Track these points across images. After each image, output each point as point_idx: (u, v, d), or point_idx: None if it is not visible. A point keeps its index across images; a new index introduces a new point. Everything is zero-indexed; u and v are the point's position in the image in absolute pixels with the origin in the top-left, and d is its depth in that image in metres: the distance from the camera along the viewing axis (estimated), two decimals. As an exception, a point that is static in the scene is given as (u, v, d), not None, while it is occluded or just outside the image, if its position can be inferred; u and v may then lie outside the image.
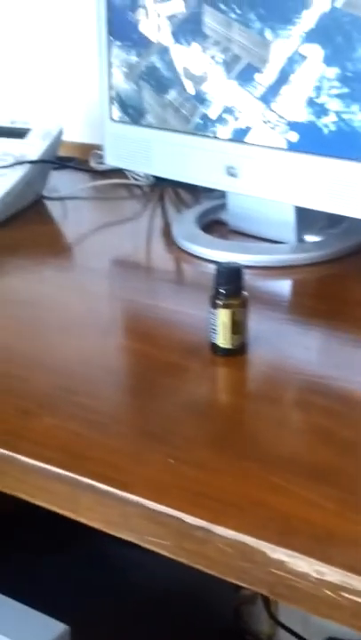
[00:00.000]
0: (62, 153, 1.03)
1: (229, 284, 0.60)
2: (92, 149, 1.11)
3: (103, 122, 0.88)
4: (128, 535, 0.47)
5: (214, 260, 0.78)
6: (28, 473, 0.51)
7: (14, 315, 0.71)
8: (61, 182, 1.04)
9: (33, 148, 0.92)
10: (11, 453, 0.51)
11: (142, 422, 0.54)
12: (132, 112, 0.85)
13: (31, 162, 0.91)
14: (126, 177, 1.04)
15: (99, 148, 1.11)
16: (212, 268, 0.77)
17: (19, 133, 0.94)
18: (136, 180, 1.04)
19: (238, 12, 0.74)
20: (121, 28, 0.83)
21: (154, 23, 0.80)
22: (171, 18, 0.79)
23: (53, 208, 0.99)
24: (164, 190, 1.02)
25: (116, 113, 0.87)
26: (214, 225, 0.88)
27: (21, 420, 0.54)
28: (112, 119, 0.87)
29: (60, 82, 1.18)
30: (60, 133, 0.96)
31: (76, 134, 1.11)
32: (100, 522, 0.49)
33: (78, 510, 0.49)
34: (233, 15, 0.74)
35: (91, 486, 0.48)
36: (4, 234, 0.88)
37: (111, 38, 0.84)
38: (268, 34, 0.73)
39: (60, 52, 1.17)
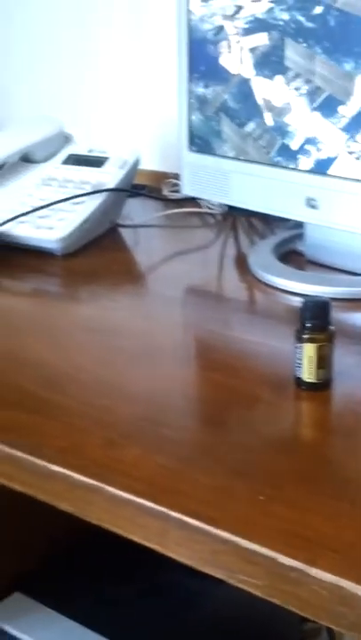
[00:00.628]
0: (135, 181, 1.05)
1: (316, 318, 0.59)
2: (164, 177, 1.12)
3: (181, 152, 0.89)
4: (218, 572, 0.47)
5: (293, 291, 0.77)
6: (116, 505, 0.51)
7: (93, 343, 0.71)
8: (134, 210, 1.05)
9: (110, 176, 0.94)
10: (98, 484, 0.51)
11: (229, 456, 0.53)
12: (210, 143, 0.86)
13: (108, 190, 0.92)
14: (199, 205, 1.05)
15: (171, 176, 1.12)
16: (290, 299, 0.77)
17: (96, 162, 0.96)
18: (209, 208, 1.04)
19: (321, 44, 0.74)
20: (201, 60, 0.84)
21: (236, 56, 0.81)
22: (253, 50, 0.79)
23: (127, 236, 0.99)
24: (236, 219, 1.02)
25: (194, 143, 0.88)
26: (291, 255, 0.88)
27: (107, 451, 0.54)
28: (190, 149, 0.88)
29: (134, 111, 1.19)
30: (137, 162, 0.97)
31: (148, 162, 1.12)
32: (189, 558, 0.48)
33: (167, 545, 0.49)
34: (315, 48, 0.74)
35: (180, 521, 0.48)
36: (80, 261, 0.89)
37: (191, 70, 0.85)
38: (351, 66, 0.72)
39: (135, 82, 1.18)
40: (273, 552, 0.44)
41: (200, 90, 0.85)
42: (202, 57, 0.84)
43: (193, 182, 0.89)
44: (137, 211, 1.06)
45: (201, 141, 0.87)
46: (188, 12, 0.83)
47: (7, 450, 0.55)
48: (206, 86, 0.84)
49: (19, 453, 0.55)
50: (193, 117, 0.86)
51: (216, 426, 0.58)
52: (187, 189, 0.91)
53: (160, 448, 0.54)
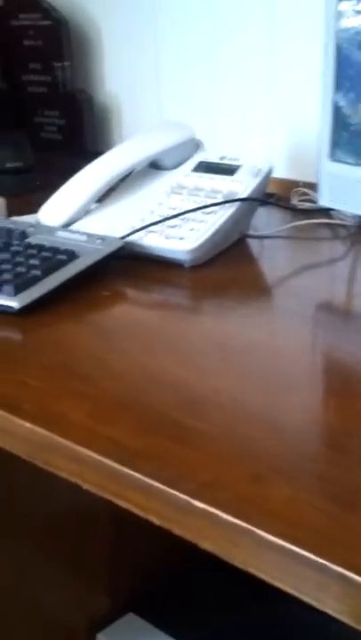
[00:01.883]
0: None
1: None
2: (293, 186, 1.08)
3: (320, 161, 0.84)
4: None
5: None
6: (265, 549, 0.47)
7: (228, 362, 0.67)
8: (261, 220, 1.01)
9: (242, 185, 0.90)
10: (245, 525, 0.47)
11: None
12: (354, 152, 0.81)
13: (241, 200, 0.88)
14: (330, 216, 1.00)
15: (300, 185, 1.08)
16: None
17: (228, 170, 0.92)
18: (341, 219, 0.99)
19: None
20: (346, 66, 0.79)
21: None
22: None
23: (254, 247, 0.95)
24: (371, 232, 0.96)
25: (336, 152, 0.83)
26: None
27: (254, 487, 0.50)
28: (331, 158, 0.83)
29: (264, 118, 1.15)
30: (270, 171, 0.93)
31: (276, 170, 1.08)
32: (348, 615, 0.44)
33: (323, 600, 0.44)
34: None
35: (340, 575, 0.43)
36: (208, 273, 0.86)
37: (336, 77, 0.80)
38: None
39: (266, 89, 1.14)
40: None
41: (345, 97, 0.80)
42: (348, 63, 0.79)
43: (332, 193, 0.85)
44: (264, 220, 1.02)
45: (344, 150, 0.82)
46: (337, 17, 0.78)
47: (147, 480, 0.52)
48: (352, 93, 0.79)
49: (158, 485, 0.51)
50: (336, 125, 0.81)
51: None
52: (324, 200, 0.87)
53: (314, 487, 0.50)
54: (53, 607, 0.87)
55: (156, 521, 0.52)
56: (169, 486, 0.51)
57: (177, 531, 0.51)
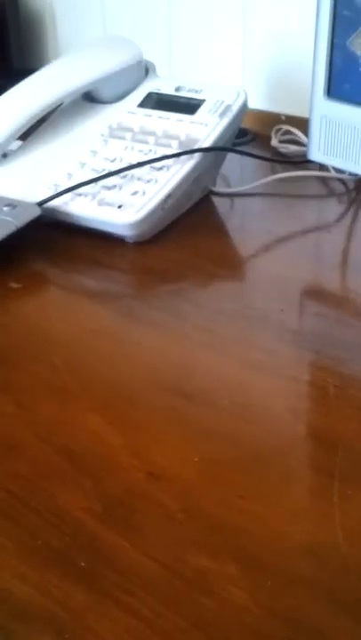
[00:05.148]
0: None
1: None
2: (273, 121, 0.84)
3: (312, 98, 0.61)
4: None
5: None
6: None
7: (179, 419, 0.45)
8: (232, 169, 0.78)
9: (206, 128, 0.66)
10: None
11: None
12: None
13: (203, 150, 0.65)
14: (325, 167, 0.76)
15: (282, 119, 0.84)
16: None
17: (187, 106, 0.68)
18: (339, 172, 0.76)
19: None
20: None
21: None
22: None
23: (222, 208, 0.72)
24: (377, 188, 0.74)
25: (334, 87, 0.59)
26: None
27: None
28: (327, 96, 0.59)
29: (233, 31, 0.90)
30: (244, 107, 0.69)
31: (251, 99, 0.84)
32: None
33: None
34: None
35: None
36: (158, 252, 0.63)
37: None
38: None
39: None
40: None
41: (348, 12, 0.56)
42: None
43: (326, 143, 0.62)
44: (236, 170, 0.79)
45: (346, 85, 0.58)
46: None
47: None
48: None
49: None
50: (336, 51, 0.57)
51: None
52: (315, 154, 0.64)
53: None
54: None
55: None
56: None
57: None
